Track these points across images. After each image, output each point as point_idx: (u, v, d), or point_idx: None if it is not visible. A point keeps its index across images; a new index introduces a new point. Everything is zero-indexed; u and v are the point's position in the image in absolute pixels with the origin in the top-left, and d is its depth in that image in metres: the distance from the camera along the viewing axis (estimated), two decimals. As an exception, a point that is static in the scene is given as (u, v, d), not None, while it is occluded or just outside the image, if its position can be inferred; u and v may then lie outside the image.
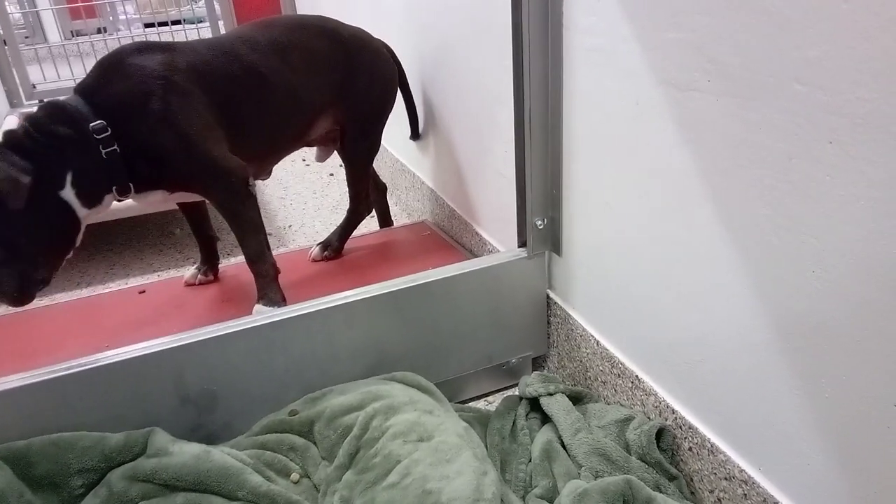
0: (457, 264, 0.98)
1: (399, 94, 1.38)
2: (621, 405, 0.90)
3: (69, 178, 0.97)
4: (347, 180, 1.33)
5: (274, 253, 1.13)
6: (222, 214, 1.09)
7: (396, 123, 1.38)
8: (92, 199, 1.00)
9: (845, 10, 0.51)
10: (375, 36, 1.31)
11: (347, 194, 1.35)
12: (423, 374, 0.94)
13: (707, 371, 0.74)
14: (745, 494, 0.70)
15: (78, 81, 1.02)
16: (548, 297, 1.03)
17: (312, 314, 0.90)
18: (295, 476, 0.83)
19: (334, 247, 1.34)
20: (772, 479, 0.68)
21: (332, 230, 1.39)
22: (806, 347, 0.61)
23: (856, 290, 0.55)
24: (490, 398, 1.06)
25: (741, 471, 0.71)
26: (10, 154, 0.93)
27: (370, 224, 1.53)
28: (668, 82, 0.70)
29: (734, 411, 0.71)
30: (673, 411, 0.80)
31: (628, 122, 0.78)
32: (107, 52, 1.04)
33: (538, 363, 1.10)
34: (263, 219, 1.13)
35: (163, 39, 1.28)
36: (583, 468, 0.80)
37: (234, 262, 1.35)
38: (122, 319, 1.16)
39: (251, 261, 1.10)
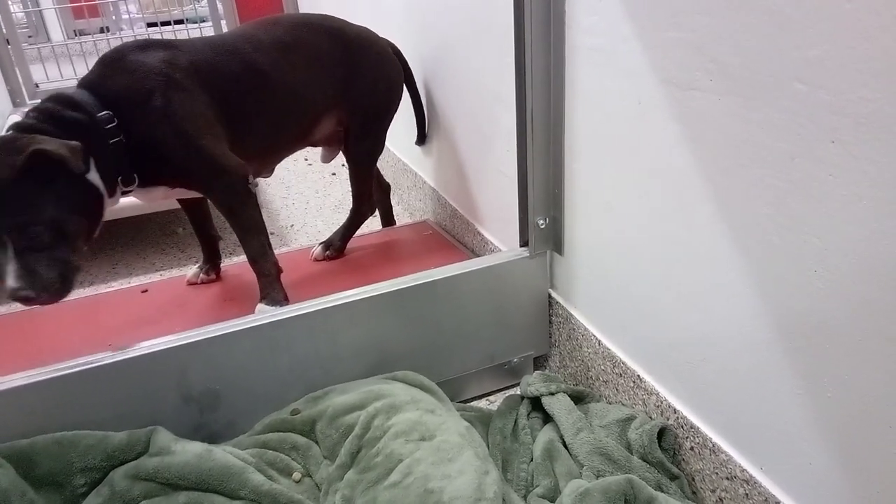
0: (459, 264, 0.98)
1: (407, 96, 1.37)
2: (623, 405, 0.90)
3: (92, 162, 0.95)
4: (351, 180, 1.33)
5: (276, 252, 1.13)
6: (221, 212, 1.09)
7: (399, 123, 1.38)
8: (109, 186, 0.97)
9: (846, 9, 0.50)
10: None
11: (350, 194, 1.35)
12: (425, 373, 0.94)
13: (708, 371, 0.74)
14: (747, 494, 0.70)
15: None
16: (549, 296, 1.03)
17: (314, 313, 0.90)
18: (297, 475, 0.84)
19: (336, 246, 1.34)
20: (773, 479, 0.68)
21: (334, 230, 1.39)
22: (807, 347, 0.61)
23: (858, 289, 0.55)
24: (492, 397, 1.06)
25: (743, 470, 0.71)
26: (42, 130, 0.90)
27: (372, 223, 1.53)
28: (670, 82, 0.70)
29: (736, 411, 0.71)
30: (674, 411, 0.80)
31: (630, 122, 0.78)
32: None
33: (540, 363, 1.10)
34: (265, 218, 1.13)
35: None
36: (584, 468, 0.80)
37: (236, 262, 1.35)
38: (124, 318, 1.16)
39: (253, 260, 1.10)
